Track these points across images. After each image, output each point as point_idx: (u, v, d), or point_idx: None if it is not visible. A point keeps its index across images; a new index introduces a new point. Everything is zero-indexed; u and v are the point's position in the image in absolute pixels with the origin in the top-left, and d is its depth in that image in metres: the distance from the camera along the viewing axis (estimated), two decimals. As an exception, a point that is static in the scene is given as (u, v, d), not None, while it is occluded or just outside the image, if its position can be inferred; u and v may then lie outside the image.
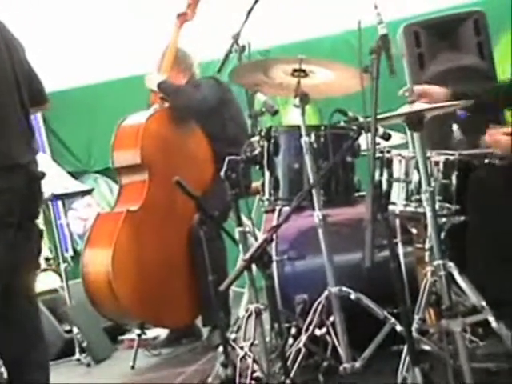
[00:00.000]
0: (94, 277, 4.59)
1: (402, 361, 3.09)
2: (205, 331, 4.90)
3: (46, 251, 6.77)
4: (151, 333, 5.09)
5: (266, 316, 3.43)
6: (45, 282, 6.22)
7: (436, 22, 5.11)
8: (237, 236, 3.61)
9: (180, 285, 4.73)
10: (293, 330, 3.53)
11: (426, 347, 3.23)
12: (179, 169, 4.58)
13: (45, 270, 6.46)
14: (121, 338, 5.39)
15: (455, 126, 3.61)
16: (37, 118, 6.81)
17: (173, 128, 4.85)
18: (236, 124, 4.97)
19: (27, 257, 3.25)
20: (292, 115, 6.17)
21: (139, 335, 4.78)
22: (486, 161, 3.48)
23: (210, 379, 3.65)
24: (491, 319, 3.20)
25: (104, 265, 4.51)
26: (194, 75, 5.06)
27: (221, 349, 3.50)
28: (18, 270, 3.19)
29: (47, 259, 6.69)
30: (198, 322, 4.93)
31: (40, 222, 6.60)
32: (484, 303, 3.22)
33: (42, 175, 3.32)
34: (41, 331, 3.32)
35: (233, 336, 3.61)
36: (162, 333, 5.11)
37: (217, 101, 4.84)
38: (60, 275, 5.63)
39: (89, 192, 5.72)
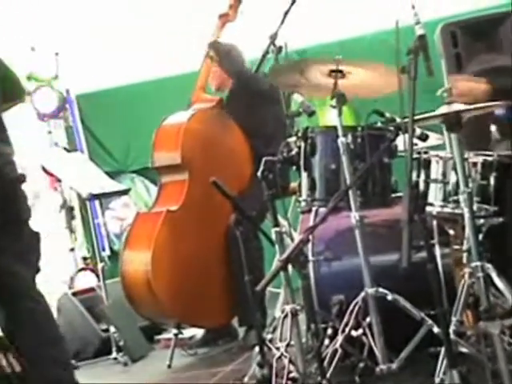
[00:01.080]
0: (133, 275, 4.63)
1: (439, 363, 3.08)
2: (241, 331, 4.91)
3: (83, 250, 6.84)
4: (187, 332, 5.10)
5: (302, 317, 3.44)
6: (82, 280, 6.29)
7: (473, 22, 5.07)
8: (273, 236, 3.61)
9: (217, 285, 4.74)
10: (329, 331, 3.53)
11: (464, 349, 3.21)
12: (218, 169, 4.60)
13: (82, 269, 6.52)
14: (157, 337, 5.41)
15: (493, 127, 3.58)
16: (75, 118, 6.89)
17: (213, 128, 4.88)
18: (277, 123, 4.96)
19: (19, 258, 3.25)
20: (329, 116, 6.15)
21: (176, 335, 4.80)
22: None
23: (246, 379, 3.66)
24: (530, 321, 3.17)
25: (143, 264, 4.54)
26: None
27: (257, 349, 3.51)
28: (9, 271, 3.21)
29: (85, 258, 6.75)
30: (234, 322, 4.94)
31: (78, 221, 6.76)
32: (523, 305, 3.20)
33: (21, 177, 3.30)
34: (53, 329, 3.32)
35: (269, 336, 3.62)
36: (198, 333, 5.13)
37: (266, 90, 4.81)
38: (97, 274, 5.67)
39: (126, 192, 5.75)
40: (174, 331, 4.83)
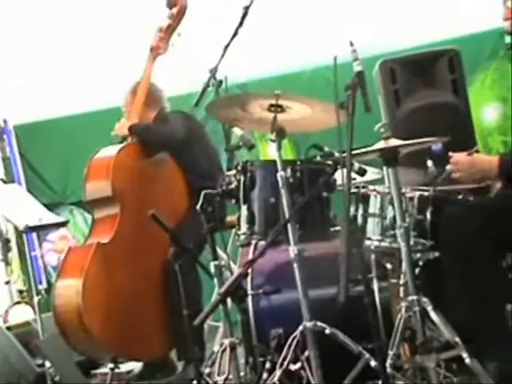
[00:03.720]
0: (64, 309, 4.55)
1: (376, 396, 3.09)
2: (179, 365, 4.87)
3: (19, 283, 6.73)
4: (125, 367, 5.04)
5: (241, 350, 3.42)
6: (18, 314, 6.17)
7: (411, 59, 5.15)
8: (212, 269, 3.61)
9: (153, 318, 4.70)
10: (267, 365, 3.51)
11: (400, 383, 3.23)
12: (152, 201, 4.57)
13: (18, 302, 6.41)
14: (94, 371, 5.33)
15: (430, 162, 3.63)
16: (13, 149, 6.81)
17: (145, 160, 4.84)
18: (207, 158, 4.98)
19: None
20: (269, 149, 6.19)
21: (112, 369, 4.74)
22: (460, 196, 3.51)
23: (183, 413, 3.63)
24: (465, 355, 3.20)
25: (74, 297, 4.47)
26: (163, 109, 5.07)
27: (195, 383, 3.48)
28: None
29: (21, 291, 6.64)
30: (173, 356, 4.90)
31: (14, 253, 6.65)
32: (457, 339, 3.23)
33: None
34: None
35: (207, 370, 3.59)
36: (136, 366, 5.07)
37: (186, 134, 4.85)
38: (33, 308, 5.58)
39: (63, 224, 5.68)
40: (111, 366, 4.76)
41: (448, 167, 3.47)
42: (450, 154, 3.46)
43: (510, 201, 3.37)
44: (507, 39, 3.62)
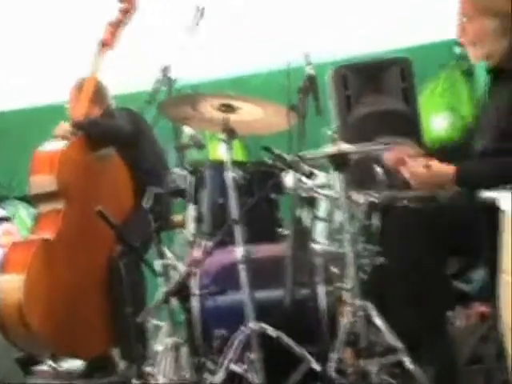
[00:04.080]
0: (4, 303, 4.49)
1: (318, 399, 3.10)
2: (122, 364, 4.83)
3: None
4: (66, 364, 4.99)
5: (184, 350, 3.41)
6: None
7: (364, 66, 5.20)
8: (158, 268, 3.59)
9: (95, 315, 4.66)
10: (210, 366, 3.51)
11: (343, 387, 3.25)
12: (98, 197, 4.53)
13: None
14: (34, 368, 5.27)
15: (379, 168, 3.66)
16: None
17: (91, 156, 4.80)
18: (153, 155, 4.95)
19: None
20: (220, 149, 6.18)
21: (52, 366, 4.69)
22: (405, 202, 3.54)
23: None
24: (406, 360, 3.23)
25: (16, 292, 4.42)
26: (109, 106, 5.03)
27: (137, 382, 3.46)
28: None
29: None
30: (116, 355, 4.86)
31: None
32: (400, 344, 3.26)
33: None
34: None
35: (149, 370, 3.57)
36: (77, 365, 5.02)
37: (132, 130, 4.81)
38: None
39: (7, 219, 5.61)
40: (51, 363, 4.71)
41: (403, 171, 3.48)
42: (406, 159, 3.46)
43: (457, 207, 3.41)
44: (457, 50, 3.67)
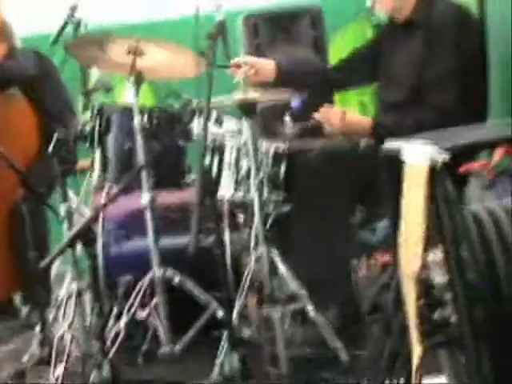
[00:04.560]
0: None
1: (220, 346, 3.12)
2: (24, 309, 4.77)
3: None
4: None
5: (88, 296, 3.38)
6: None
7: (275, 15, 5.20)
8: (62, 212, 3.53)
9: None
10: (115, 312, 3.49)
11: (246, 333, 3.28)
12: (1, 140, 4.41)
13: None
14: None
15: (287, 116, 3.66)
16: None
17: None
18: (57, 99, 4.84)
19: None
20: (127, 94, 6.08)
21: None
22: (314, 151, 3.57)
23: (25, 358, 3.55)
24: (310, 308, 3.28)
25: None
26: (13, 46, 4.88)
27: (39, 328, 3.42)
28: None
29: None
30: (17, 299, 4.80)
31: None
32: (303, 291, 3.30)
33: None
34: None
35: (52, 315, 3.53)
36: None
37: (37, 72, 4.68)
38: None
39: None
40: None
41: (317, 116, 3.52)
42: (320, 111, 3.52)
43: (365, 157, 3.45)
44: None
